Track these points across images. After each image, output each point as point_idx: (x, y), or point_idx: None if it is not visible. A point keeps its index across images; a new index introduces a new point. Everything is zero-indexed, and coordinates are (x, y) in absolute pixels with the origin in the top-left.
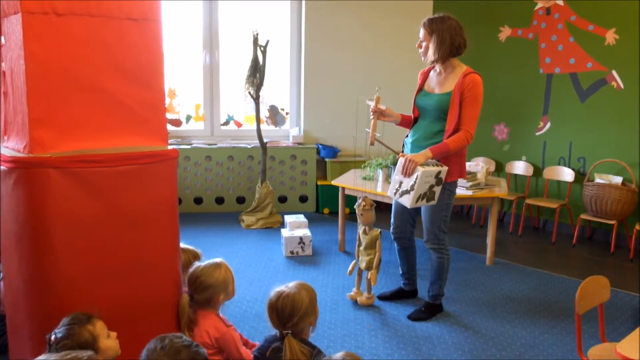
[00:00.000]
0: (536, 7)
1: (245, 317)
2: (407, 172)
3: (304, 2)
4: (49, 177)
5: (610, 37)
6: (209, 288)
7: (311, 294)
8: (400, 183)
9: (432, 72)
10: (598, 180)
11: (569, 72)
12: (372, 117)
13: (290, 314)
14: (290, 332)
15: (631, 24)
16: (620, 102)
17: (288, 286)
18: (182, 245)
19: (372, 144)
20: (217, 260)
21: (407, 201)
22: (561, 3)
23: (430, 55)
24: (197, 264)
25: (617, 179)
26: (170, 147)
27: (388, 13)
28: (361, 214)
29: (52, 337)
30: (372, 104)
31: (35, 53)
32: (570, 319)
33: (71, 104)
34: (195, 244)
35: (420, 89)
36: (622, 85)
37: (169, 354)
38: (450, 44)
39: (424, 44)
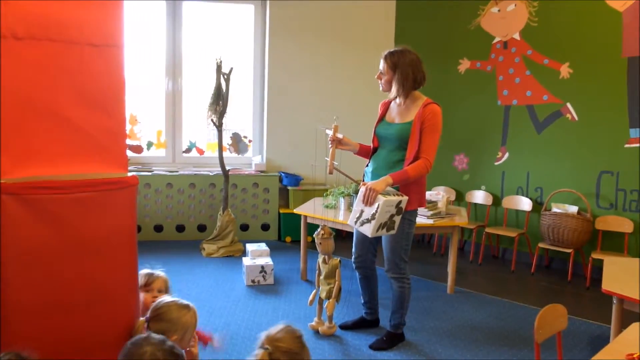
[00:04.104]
0: (494, 41)
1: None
2: (368, 201)
3: (267, 31)
4: (2, 204)
5: (565, 71)
6: (166, 322)
7: None
8: (362, 212)
9: (392, 103)
10: (555, 209)
11: (525, 104)
12: (330, 145)
13: (291, 343)
14: (271, 350)
15: (584, 59)
16: (575, 134)
17: None
18: (160, 273)
19: (330, 172)
20: (190, 303)
21: (368, 230)
22: (518, 37)
23: (394, 91)
24: (166, 298)
25: (573, 209)
26: (130, 174)
27: (349, 45)
28: (320, 243)
29: None
30: (330, 132)
31: None
32: (530, 347)
33: (28, 129)
34: None
35: (381, 119)
36: (576, 117)
37: None
38: (413, 79)
39: (384, 77)
